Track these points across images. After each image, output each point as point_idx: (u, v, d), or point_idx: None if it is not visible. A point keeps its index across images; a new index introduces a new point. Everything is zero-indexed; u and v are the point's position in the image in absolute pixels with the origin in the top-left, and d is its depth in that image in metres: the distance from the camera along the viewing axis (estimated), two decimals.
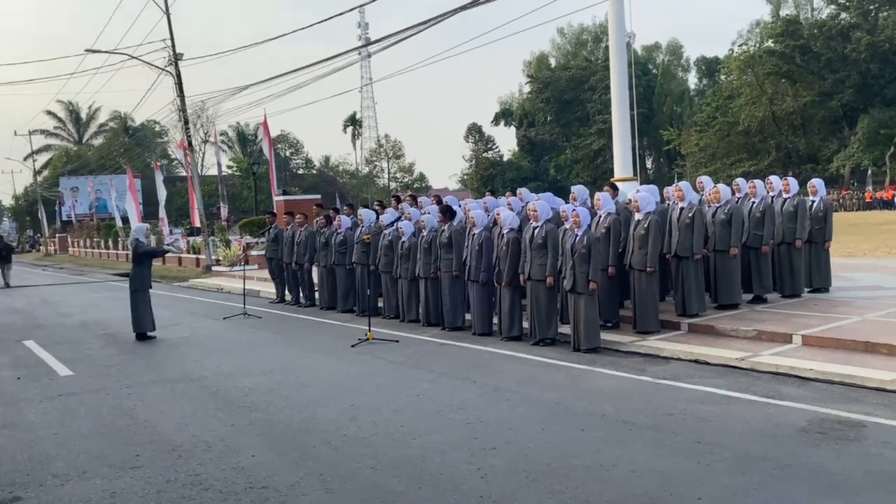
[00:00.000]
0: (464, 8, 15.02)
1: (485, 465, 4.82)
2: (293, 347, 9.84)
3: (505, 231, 9.19)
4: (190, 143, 27.21)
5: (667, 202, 10.01)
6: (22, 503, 4.60)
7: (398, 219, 11.58)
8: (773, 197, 10.26)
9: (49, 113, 67.39)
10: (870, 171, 50.09)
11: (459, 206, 11.04)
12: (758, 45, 60.93)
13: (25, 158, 63.95)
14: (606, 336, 8.68)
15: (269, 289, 15.59)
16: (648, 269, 8.67)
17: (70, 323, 13.31)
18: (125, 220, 37.21)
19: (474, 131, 76.38)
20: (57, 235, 54.44)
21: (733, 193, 10.25)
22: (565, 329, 8.87)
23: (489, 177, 70.30)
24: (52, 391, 7.67)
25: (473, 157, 75.65)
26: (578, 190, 9.91)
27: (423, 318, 10.70)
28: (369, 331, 9.71)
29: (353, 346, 9.33)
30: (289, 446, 5.44)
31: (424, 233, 10.47)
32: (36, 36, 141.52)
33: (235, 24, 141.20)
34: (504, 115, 79.56)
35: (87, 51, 26.74)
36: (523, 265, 8.87)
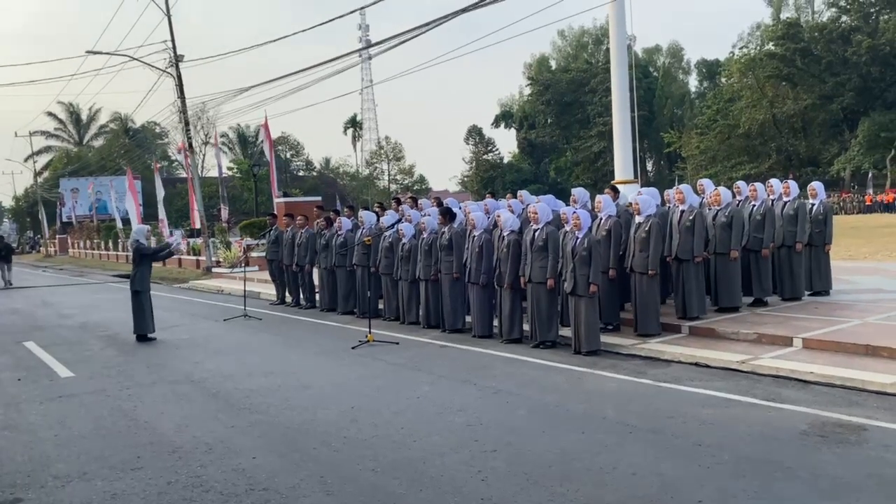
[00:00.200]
0: (465, 10, 15.05)
1: (485, 468, 4.82)
2: (293, 349, 9.84)
3: (505, 233, 9.20)
4: (190, 145, 27.21)
5: (667, 205, 10.02)
6: None
7: (398, 221, 11.59)
8: (773, 200, 10.27)
9: (50, 114, 67.50)
10: (870, 175, 50.17)
11: (460, 208, 11.05)
12: (758, 47, 61.03)
13: (26, 160, 64.07)
14: (607, 339, 8.68)
15: (270, 290, 15.59)
16: (650, 272, 8.67)
17: (70, 324, 13.31)
18: (125, 221, 37.24)
19: (474, 133, 76.44)
20: (57, 236, 54.41)
21: (734, 196, 10.26)
22: (566, 332, 8.86)
23: (489, 179, 70.34)
24: (52, 392, 7.67)
25: (474, 160, 75.69)
26: (579, 192, 9.90)
27: (423, 321, 10.70)
28: (370, 333, 9.71)
29: (353, 347, 9.33)
30: (289, 448, 5.44)
31: (425, 235, 10.47)
32: (37, 37, 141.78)
33: (236, 26, 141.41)
34: (504, 118, 79.64)
35: (88, 52, 26.79)
36: (524, 267, 8.87)
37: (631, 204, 9.32)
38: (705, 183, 10.90)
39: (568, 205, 9.65)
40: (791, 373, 6.87)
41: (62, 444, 5.81)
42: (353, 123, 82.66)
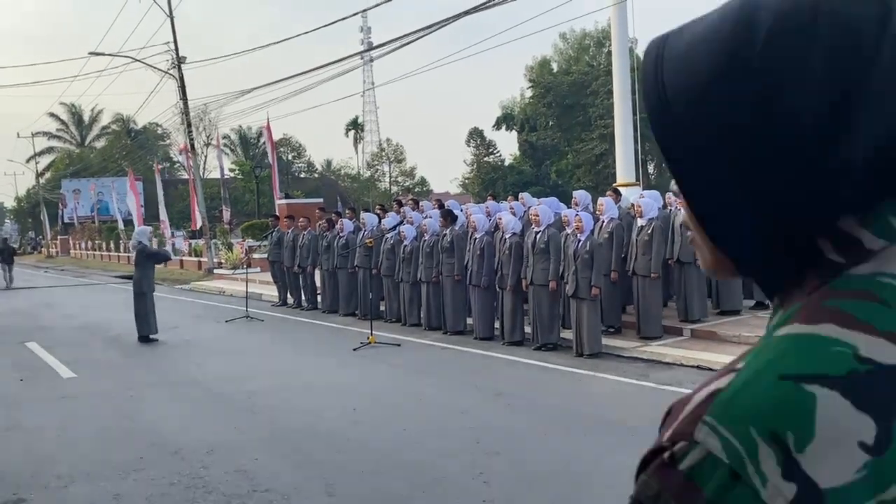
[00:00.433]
0: (467, 13, 15.08)
1: (487, 470, 4.82)
2: (295, 350, 9.85)
3: (507, 236, 9.21)
4: (192, 146, 27.25)
5: (669, 208, 10.01)
6: None
7: (400, 223, 11.60)
8: None
9: (52, 115, 67.50)
10: None
11: (461, 210, 11.06)
12: None
13: (28, 160, 64.11)
14: (609, 341, 8.69)
15: (272, 292, 15.60)
16: (652, 274, 8.67)
17: (72, 325, 13.32)
18: (127, 222, 37.26)
19: (475, 136, 76.37)
20: (59, 237, 54.47)
21: None
22: (567, 334, 8.87)
23: (490, 181, 70.26)
24: (54, 393, 7.68)
25: (475, 162, 75.64)
26: (581, 195, 9.92)
27: (424, 322, 10.70)
28: (371, 334, 9.71)
29: (355, 349, 9.33)
30: (291, 449, 5.45)
31: (426, 237, 10.48)
32: (39, 38, 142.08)
33: (238, 27, 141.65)
34: (505, 120, 79.54)
35: (91, 53, 26.86)
36: (525, 270, 8.88)
37: (633, 206, 9.33)
38: None
39: (570, 207, 9.67)
40: None
41: (65, 445, 5.82)
42: (355, 125, 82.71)
